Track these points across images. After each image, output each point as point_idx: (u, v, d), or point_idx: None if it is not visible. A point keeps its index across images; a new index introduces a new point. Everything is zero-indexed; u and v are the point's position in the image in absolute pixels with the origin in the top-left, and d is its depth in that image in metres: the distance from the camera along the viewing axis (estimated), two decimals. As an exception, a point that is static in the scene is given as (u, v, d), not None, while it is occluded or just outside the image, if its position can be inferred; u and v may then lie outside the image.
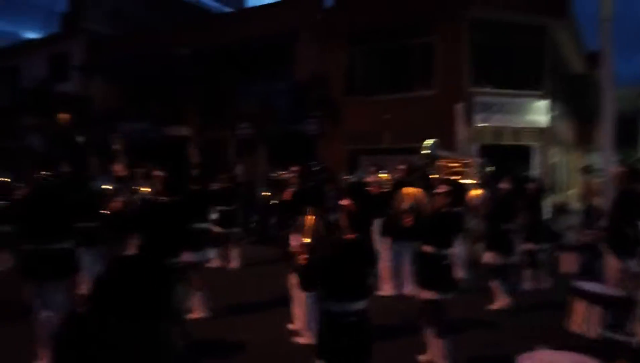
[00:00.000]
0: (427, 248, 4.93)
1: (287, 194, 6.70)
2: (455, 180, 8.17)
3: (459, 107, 13.27)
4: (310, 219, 3.92)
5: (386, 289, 7.65)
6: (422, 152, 8.22)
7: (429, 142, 8.26)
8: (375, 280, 6.87)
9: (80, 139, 15.69)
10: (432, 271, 4.85)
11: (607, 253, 5.80)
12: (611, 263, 5.66)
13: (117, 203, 7.10)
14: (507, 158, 13.26)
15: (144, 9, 23.44)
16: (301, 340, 5.60)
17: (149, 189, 5.76)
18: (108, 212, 6.87)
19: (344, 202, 3.40)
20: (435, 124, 13.33)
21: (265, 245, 11.32)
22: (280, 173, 11.02)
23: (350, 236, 3.32)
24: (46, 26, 30.75)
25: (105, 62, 21.26)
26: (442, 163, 8.73)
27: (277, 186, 10.37)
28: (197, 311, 6.33)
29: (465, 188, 8.38)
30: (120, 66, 20.41)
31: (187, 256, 5.56)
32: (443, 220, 5.07)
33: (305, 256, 3.38)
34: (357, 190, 7.82)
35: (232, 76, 17.01)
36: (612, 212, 5.88)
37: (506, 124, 14.06)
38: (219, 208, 9.80)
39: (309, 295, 5.11)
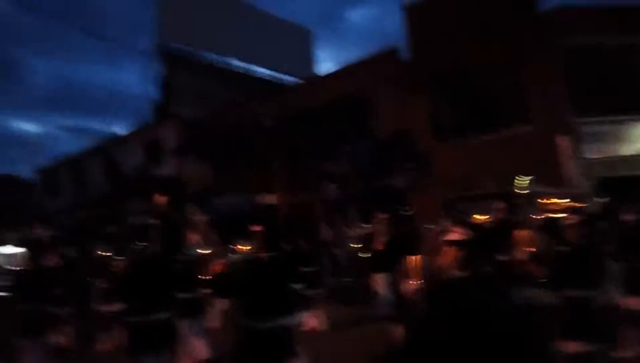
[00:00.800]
0: (573, 293, 4.19)
1: (379, 243, 6.20)
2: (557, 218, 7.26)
3: (563, 140, 12.32)
4: (416, 259, 3.49)
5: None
6: (517, 191, 7.44)
7: (525, 179, 7.50)
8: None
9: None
10: (580, 318, 4.08)
11: None
12: None
13: (218, 265, 7.01)
14: (624, 189, 11.91)
15: (226, 89, 24.96)
16: None
17: (249, 247, 5.68)
18: (209, 277, 6.75)
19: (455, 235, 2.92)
20: (538, 161, 12.46)
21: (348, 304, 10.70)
22: (365, 225, 10.66)
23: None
24: (137, 119, 33.74)
25: (195, 142, 22.57)
26: (543, 201, 7.85)
27: (366, 238, 9.99)
28: None
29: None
30: (210, 144, 21.54)
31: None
32: (586, 257, 4.33)
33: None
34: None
35: (315, 140, 17.26)
36: None
37: (618, 153, 12.78)
38: (303, 269, 9.56)
39: None
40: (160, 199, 22.37)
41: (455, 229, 2.56)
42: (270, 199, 18.67)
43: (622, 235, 6.59)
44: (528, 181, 7.52)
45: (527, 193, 7.44)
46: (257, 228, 3.95)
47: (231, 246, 6.23)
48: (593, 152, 12.45)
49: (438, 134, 14.87)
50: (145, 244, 4.92)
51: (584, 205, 7.84)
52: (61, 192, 30.88)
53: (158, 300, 4.50)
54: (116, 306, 8.13)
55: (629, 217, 6.68)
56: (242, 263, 4.09)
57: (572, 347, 4.09)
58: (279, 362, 3.51)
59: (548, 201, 8.00)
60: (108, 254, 10.63)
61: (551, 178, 12.39)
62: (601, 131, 12.60)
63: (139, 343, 4.38)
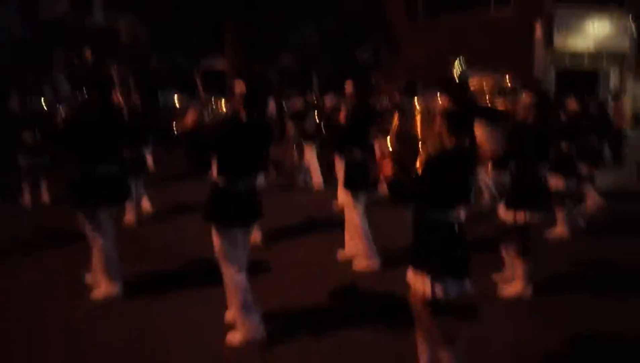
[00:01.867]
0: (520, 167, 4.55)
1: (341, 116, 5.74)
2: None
3: (539, 27, 12.22)
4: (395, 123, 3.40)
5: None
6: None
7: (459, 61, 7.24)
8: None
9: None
10: (525, 190, 4.49)
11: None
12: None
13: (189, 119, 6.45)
14: (582, 83, 12.28)
15: None
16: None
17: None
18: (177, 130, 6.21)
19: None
20: (511, 46, 12.33)
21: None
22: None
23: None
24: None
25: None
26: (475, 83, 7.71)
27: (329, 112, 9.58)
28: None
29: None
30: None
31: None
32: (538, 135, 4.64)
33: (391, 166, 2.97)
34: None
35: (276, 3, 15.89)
36: None
37: (586, 47, 12.92)
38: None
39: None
40: (88, 52, 20.39)
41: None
42: (220, 64, 17.42)
43: (564, 122, 7.04)
44: (457, 63, 7.20)
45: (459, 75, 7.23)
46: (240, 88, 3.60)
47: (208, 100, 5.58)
48: (563, 43, 12.51)
49: (410, 12, 14.19)
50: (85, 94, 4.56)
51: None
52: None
53: (107, 152, 4.36)
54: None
55: (573, 106, 7.07)
56: (224, 122, 3.74)
57: (519, 215, 4.44)
58: (252, 220, 3.71)
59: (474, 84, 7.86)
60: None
61: (523, 64, 12.41)
62: (575, 20, 12.58)
63: (91, 196, 4.28)
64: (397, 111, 8.10)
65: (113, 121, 4.52)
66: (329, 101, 10.77)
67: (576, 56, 12.78)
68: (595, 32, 12.77)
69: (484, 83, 7.78)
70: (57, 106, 9.52)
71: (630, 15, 12.89)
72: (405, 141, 3.30)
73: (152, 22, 19.45)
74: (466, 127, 2.91)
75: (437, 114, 2.92)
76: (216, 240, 3.58)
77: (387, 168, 2.96)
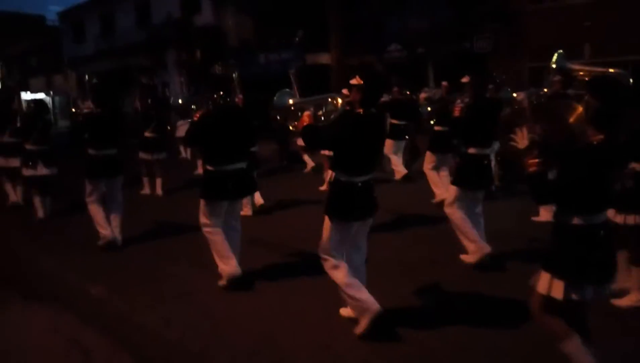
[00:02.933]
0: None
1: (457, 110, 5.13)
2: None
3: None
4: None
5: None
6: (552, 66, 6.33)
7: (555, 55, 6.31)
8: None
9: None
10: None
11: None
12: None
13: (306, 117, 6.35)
14: None
15: None
16: None
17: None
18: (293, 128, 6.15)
19: None
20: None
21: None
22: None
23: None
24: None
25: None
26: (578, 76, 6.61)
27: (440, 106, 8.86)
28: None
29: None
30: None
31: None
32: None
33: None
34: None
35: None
36: None
37: None
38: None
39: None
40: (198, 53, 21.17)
41: None
42: (324, 59, 17.32)
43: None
44: (558, 55, 6.28)
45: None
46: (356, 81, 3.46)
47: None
48: None
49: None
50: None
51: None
52: (87, 39, 29.55)
53: (238, 150, 4.62)
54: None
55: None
56: (344, 119, 3.68)
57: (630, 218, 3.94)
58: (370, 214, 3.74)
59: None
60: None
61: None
62: None
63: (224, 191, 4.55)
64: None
65: (243, 120, 4.64)
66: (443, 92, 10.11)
67: None
68: None
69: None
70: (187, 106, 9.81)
71: None
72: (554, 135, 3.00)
73: (258, 19, 19.86)
74: (616, 124, 2.69)
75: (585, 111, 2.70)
76: (327, 233, 3.59)
77: (531, 163, 2.74)
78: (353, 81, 3.57)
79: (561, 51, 6.60)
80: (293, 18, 17.51)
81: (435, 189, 7.35)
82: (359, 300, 3.53)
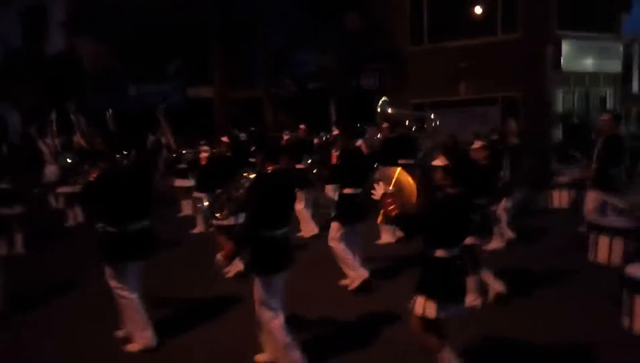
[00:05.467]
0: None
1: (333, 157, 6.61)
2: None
3: (548, 52, 13.05)
4: (393, 171, 4.11)
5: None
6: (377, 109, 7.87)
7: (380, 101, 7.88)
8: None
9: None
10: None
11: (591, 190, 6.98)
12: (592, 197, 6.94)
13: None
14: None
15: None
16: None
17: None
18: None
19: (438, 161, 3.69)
20: (520, 70, 13.05)
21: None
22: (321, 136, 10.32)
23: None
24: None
25: (92, 14, 19.31)
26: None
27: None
28: None
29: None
30: (113, 17, 18.52)
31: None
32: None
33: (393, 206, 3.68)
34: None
35: (261, 24, 15.71)
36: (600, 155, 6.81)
37: (587, 70, 13.91)
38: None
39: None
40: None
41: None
42: (207, 92, 17.10)
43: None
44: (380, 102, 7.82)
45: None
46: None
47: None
48: (568, 65, 13.42)
49: (416, 36, 14.67)
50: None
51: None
52: None
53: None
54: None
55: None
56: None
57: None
58: None
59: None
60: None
61: (533, 87, 13.17)
62: (577, 45, 13.57)
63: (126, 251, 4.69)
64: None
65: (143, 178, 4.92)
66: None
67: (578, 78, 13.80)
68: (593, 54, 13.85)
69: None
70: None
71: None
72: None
73: (121, 47, 18.76)
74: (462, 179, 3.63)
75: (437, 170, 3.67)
76: (258, 289, 4.03)
77: (390, 209, 3.64)
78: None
79: (385, 98, 7.80)
80: (169, 47, 17.04)
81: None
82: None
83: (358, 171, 6.04)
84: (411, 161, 7.94)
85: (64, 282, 6.65)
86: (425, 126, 8.25)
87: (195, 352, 4.69)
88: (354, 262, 5.98)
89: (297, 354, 4.11)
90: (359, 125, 10.78)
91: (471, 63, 13.55)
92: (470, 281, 4.96)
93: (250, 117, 16.18)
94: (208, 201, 4.61)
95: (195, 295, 6.10)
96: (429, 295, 3.52)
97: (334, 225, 5.99)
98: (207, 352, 4.67)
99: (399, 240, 7.82)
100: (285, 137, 10.69)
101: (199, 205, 4.64)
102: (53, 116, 10.78)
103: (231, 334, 4.95)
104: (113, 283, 4.59)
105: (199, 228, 9.40)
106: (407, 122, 7.98)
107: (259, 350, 4.32)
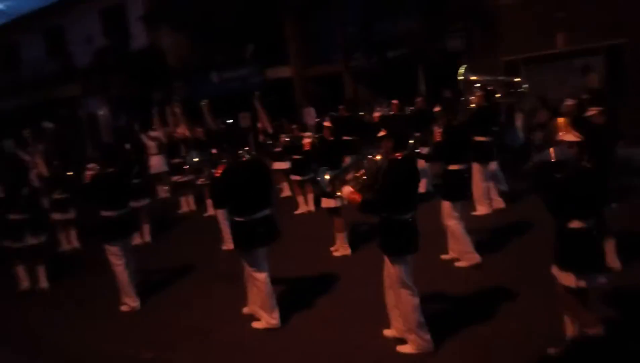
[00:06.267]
0: None
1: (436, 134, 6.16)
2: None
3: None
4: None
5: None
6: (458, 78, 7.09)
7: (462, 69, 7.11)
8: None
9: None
10: None
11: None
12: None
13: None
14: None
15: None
16: None
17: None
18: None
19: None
20: (628, 15, 11.83)
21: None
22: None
23: None
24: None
25: (168, 6, 19.85)
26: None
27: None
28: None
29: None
30: (189, 7, 18.90)
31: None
32: None
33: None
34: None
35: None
36: None
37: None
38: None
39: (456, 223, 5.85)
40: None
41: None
42: (285, 72, 17.09)
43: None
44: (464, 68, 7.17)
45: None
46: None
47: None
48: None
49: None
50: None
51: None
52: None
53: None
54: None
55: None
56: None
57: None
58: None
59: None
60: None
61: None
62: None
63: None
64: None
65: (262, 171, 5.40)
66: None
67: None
68: None
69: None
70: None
71: None
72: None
73: (199, 37, 19.16)
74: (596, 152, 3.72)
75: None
76: (397, 270, 4.20)
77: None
78: (380, 133, 4.24)
79: (464, 65, 7.20)
80: (244, 32, 17.14)
81: None
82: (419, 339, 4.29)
83: (463, 146, 6.08)
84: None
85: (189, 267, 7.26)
86: (513, 89, 7.84)
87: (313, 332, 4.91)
88: (470, 244, 5.93)
89: (427, 335, 4.26)
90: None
91: (569, 12, 12.45)
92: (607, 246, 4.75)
93: (331, 93, 16.02)
94: (329, 174, 4.58)
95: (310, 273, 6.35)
96: (573, 267, 3.62)
97: (446, 204, 5.93)
98: (323, 334, 4.88)
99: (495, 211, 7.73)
100: (377, 114, 10.51)
101: (318, 178, 4.60)
102: (155, 110, 11.28)
103: (345, 313, 5.19)
104: (247, 267, 5.12)
105: (301, 209, 9.60)
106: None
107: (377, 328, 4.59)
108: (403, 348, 4.32)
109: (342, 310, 5.25)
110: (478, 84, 7.33)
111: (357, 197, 4.20)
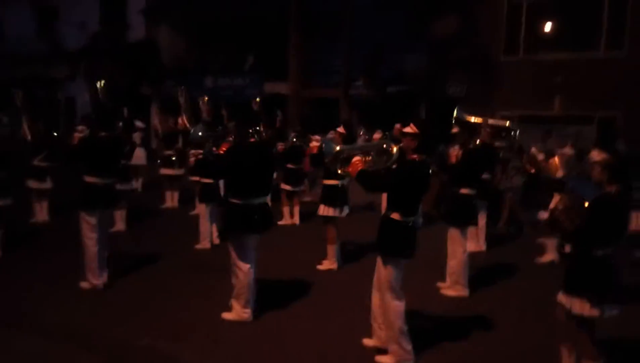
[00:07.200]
0: None
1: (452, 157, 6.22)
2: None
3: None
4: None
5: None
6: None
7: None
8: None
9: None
10: None
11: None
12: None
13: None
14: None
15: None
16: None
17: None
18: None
19: None
20: (624, 90, 12.41)
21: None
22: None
23: None
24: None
25: (171, 4, 19.82)
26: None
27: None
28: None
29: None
30: (192, 8, 18.89)
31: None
32: None
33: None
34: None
35: (346, 21, 15.55)
36: None
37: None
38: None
39: (463, 250, 5.81)
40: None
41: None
42: (282, 88, 17.09)
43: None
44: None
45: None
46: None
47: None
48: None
49: (510, 45, 14.21)
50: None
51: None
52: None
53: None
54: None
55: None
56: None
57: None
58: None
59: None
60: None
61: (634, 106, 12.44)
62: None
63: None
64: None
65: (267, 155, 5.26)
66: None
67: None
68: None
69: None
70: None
71: None
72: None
73: (199, 40, 19.14)
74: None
75: None
76: (389, 272, 4.13)
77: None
78: (407, 129, 4.13)
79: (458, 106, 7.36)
80: (248, 41, 17.18)
81: None
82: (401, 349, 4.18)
83: (477, 171, 6.15)
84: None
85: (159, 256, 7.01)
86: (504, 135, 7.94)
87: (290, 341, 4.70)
88: (466, 277, 5.92)
89: (409, 345, 4.20)
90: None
91: (568, 78, 12.99)
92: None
93: (324, 117, 16.05)
94: (340, 147, 4.51)
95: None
96: (590, 295, 3.55)
97: (454, 231, 5.87)
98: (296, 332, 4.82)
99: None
100: (377, 136, 10.52)
101: (324, 146, 4.56)
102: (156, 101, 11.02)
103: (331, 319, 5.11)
104: (232, 255, 4.93)
105: (285, 220, 9.51)
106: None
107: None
108: (382, 359, 4.25)
109: (323, 320, 5.06)
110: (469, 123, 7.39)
111: (362, 167, 4.14)
